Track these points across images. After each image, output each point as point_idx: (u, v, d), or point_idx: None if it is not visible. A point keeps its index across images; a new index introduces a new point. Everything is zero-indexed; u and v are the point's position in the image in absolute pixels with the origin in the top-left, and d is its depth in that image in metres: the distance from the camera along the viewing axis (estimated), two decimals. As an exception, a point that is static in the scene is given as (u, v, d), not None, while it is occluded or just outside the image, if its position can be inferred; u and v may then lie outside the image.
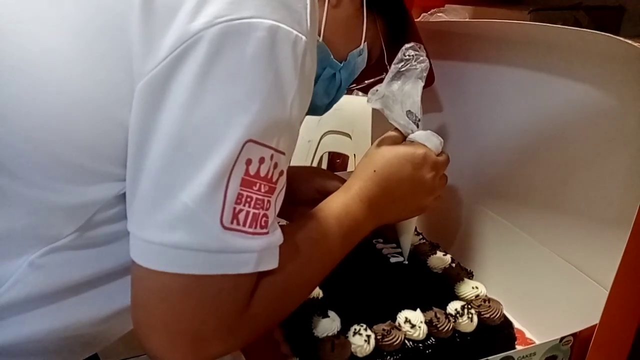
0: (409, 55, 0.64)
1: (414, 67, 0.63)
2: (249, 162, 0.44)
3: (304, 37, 0.45)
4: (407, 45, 0.64)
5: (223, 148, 0.42)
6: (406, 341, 0.61)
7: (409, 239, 0.76)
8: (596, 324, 0.54)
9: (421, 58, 0.64)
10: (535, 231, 0.74)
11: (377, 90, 0.63)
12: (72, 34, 0.44)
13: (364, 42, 0.68)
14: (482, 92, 0.81)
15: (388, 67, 0.73)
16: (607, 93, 0.61)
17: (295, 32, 0.44)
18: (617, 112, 0.60)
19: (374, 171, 0.62)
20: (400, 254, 0.78)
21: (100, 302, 0.52)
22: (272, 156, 0.45)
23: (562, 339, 0.56)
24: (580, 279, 0.66)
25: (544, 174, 0.72)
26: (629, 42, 0.53)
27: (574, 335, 0.56)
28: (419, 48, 0.64)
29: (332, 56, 0.66)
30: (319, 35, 0.64)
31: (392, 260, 0.77)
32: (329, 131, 1.39)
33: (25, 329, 0.48)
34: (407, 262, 0.77)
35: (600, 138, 0.63)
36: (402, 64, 0.64)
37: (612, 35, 0.54)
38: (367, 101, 0.63)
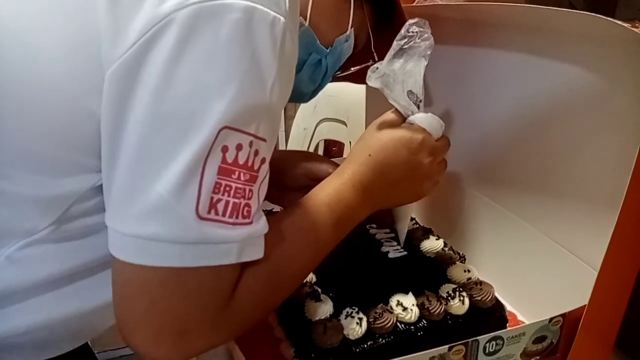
0: (412, 32, 0.59)
1: (418, 44, 0.59)
2: (225, 149, 0.42)
3: (282, 18, 0.43)
4: (411, 21, 0.60)
5: (196, 135, 0.41)
6: (398, 324, 0.62)
7: (405, 226, 0.74)
8: (585, 305, 0.54)
9: (425, 35, 0.60)
10: (528, 215, 0.74)
11: (377, 68, 0.59)
12: (41, 20, 0.43)
13: (351, 27, 0.67)
14: (475, 77, 0.81)
15: (375, 54, 0.72)
16: (600, 76, 0.61)
17: (272, 13, 0.43)
18: (609, 95, 0.60)
19: (369, 155, 0.60)
20: (393, 238, 0.78)
21: (82, 296, 0.51)
22: (251, 143, 0.44)
23: (551, 319, 0.56)
24: (572, 262, 0.67)
25: (536, 157, 0.72)
26: (623, 24, 0.53)
27: (563, 315, 0.56)
28: (424, 24, 0.60)
29: (318, 41, 0.65)
30: (305, 19, 0.63)
31: (387, 252, 0.75)
32: (324, 119, 1.39)
33: (5, 324, 0.48)
34: (402, 249, 0.76)
35: (592, 121, 0.63)
36: (405, 40, 0.59)
37: (606, 18, 0.54)
38: (367, 79, 0.60)
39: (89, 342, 0.68)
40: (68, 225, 0.47)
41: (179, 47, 0.40)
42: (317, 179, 0.62)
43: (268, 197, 0.49)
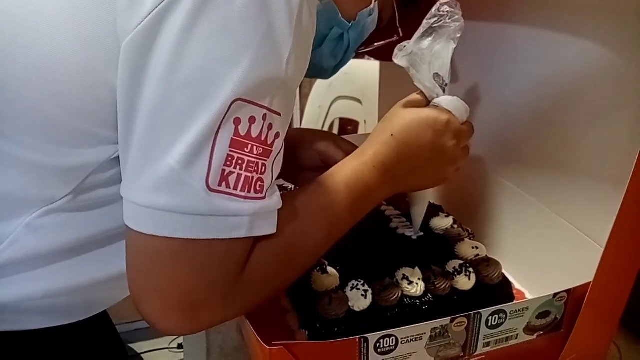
0: (443, 11, 0.58)
1: (448, 24, 0.58)
2: (237, 121, 0.42)
3: None
4: (442, 1, 0.58)
5: (208, 106, 0.41)
6: (404, 297, 0.62)
7: (422, 211, 0.72)
8: (590, 282, 0.54)
9: (456, 16, 0.58)
10: (539, 192, 0.73)
11: (404, 46, 0.58)
12: None
13: (375, 1, 0.64)
14: (491, 53, 0.80)
15: (399, 29, 0.70)
16: (617, 51, 0.60)
17: None
18: (624, 70, 0.59)
19: (392, 135, 0.57)
20: (402, 215, 0.77)
21: (99, 265, 0.52)
22: (264, 116, 0.43)
23: (555, 295, 0.56)
24: (585, 242, 0.66)
25: (549, 135, 0.71)
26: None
27: (567, 291, 0.56)
28: (455, 5, 0.58)
29: (340, 15, 0.63)
30: None
31: (396, 228, 0.74)
32: (339, 97, 1.39)
33: (24, 288, 0.49)
34: (421, 234, 0.73)
35: (608, 98, 0.62)
36: (436, 19, 0.58)
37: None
38: (393, 57, 0.58)
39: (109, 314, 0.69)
40: (85, 195, 0.49)
41: (193, 17, 0.40)
42: (328, 161, 0.61)
43: (284, 176, 0.49)
